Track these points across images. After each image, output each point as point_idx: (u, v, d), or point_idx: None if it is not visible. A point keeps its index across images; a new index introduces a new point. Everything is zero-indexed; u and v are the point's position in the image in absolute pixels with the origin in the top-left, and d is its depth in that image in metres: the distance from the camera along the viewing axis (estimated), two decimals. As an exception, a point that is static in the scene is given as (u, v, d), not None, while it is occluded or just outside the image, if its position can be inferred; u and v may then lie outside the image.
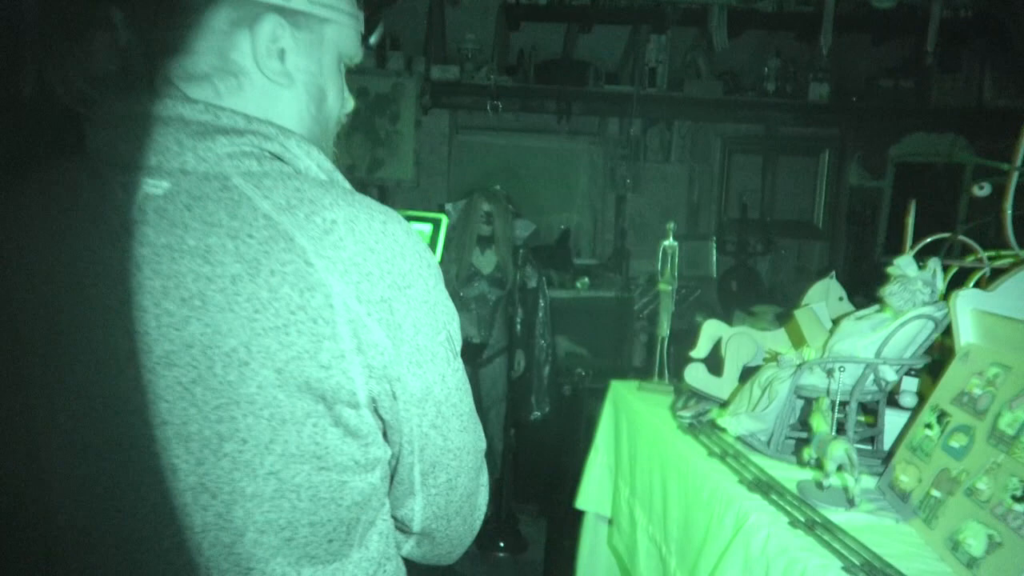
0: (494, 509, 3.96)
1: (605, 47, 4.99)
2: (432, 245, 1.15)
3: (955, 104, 5.03)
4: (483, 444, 0.91)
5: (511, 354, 3.91)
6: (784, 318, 1.71)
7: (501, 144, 5.29)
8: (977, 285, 1.44)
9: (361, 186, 5.21)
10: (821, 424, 1.13)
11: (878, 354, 1.18)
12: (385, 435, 0.80)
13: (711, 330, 1.67)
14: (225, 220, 0.71)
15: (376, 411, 0.77)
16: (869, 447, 1.31)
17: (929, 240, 1.48)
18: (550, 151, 5.35)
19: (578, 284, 4.59)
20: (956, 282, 1.42)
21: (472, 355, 3.87)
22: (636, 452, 1.67)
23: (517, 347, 3.98)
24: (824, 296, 1.55)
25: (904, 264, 1.18)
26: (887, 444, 1.29)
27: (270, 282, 0.70)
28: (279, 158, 0.77)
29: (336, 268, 0.71)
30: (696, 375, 1.64)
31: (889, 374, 1.19)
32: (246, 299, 0.70)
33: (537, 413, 4.17)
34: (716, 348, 1.69)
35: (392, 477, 0.83)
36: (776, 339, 1.58)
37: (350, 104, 0.96)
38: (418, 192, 5.18)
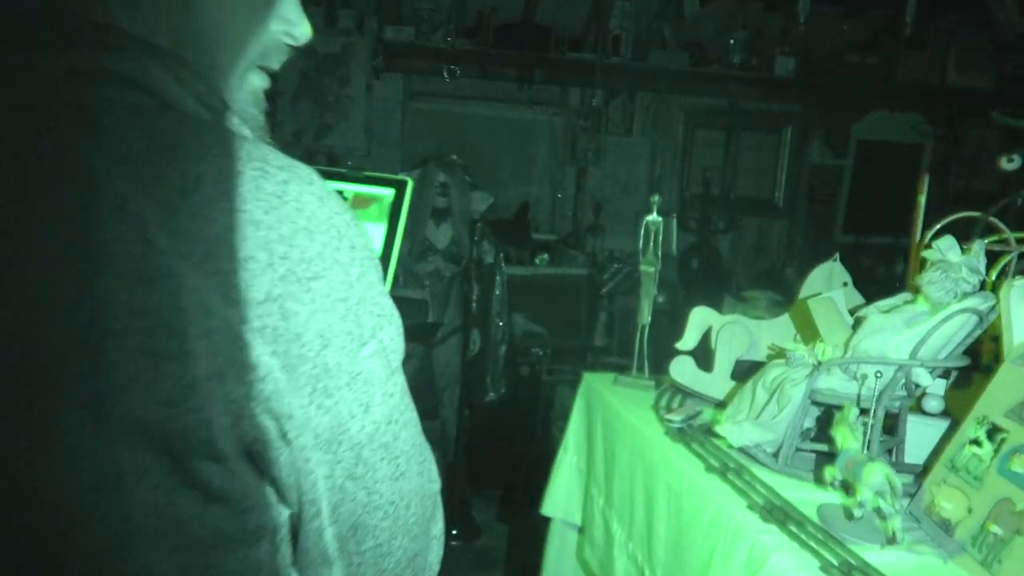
0: (447, 495, 3.78)
1: (568, 12, 4.75)
2: (394, 216, 0.92)
3: (919, 82, 4.96)
4: (435, 485, 0.65)
5: (466, 333, 3.69)
6: (780, 306, 1.54)
7: (458, 112, 5.02)
8: (1003, 273, 1.28)
9: (308, 154, 4.91)
10: (849, 439, 0.96)
11: (913, 354, 1.01)
12: (279, 493, 0.56)
13: (699, 318, 1.49)
14: (29, 172, 0.48)
15: (256, 463, 0.53)
16: (888, 459, 1.15)
17: (954, 218, 1.31)
18: (509, 121, 5.10)
19: (536, 260, 4.39)
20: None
21: (426, 335, 3.64)
22: (613, 456, 1.49)
23: (472, 326, 3.77)
24: (827, 282, 1.38)
25: (945, 247, 1.00)
26: (909, 456, 1.13)
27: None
28: (135, 84, 0.52)
29: (193, 249, 0.48)
30: (683, 370, 1.46)
31: (924, 378, 1.02)
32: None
33: (492, 395, 3.98)
34: (704, 339, 1.51)
35: (295, 546, 0.59)
36: (775, 330, 1.41)
37: (304, 29, 0.65)
38: (369, 161, 4.88)
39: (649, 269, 1.66)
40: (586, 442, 1.67)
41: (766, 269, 5.15)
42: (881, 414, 1.04)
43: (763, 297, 1.87)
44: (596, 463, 1.57)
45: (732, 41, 4.77)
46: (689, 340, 1.47)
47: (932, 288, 0.99)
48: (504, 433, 4.06)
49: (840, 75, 4.90)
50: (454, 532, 3.59)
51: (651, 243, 1.66)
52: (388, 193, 0.93)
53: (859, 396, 1.05)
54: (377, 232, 0.92)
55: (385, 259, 0.92)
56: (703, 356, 1.49)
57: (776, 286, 4.78)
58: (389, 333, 0.59)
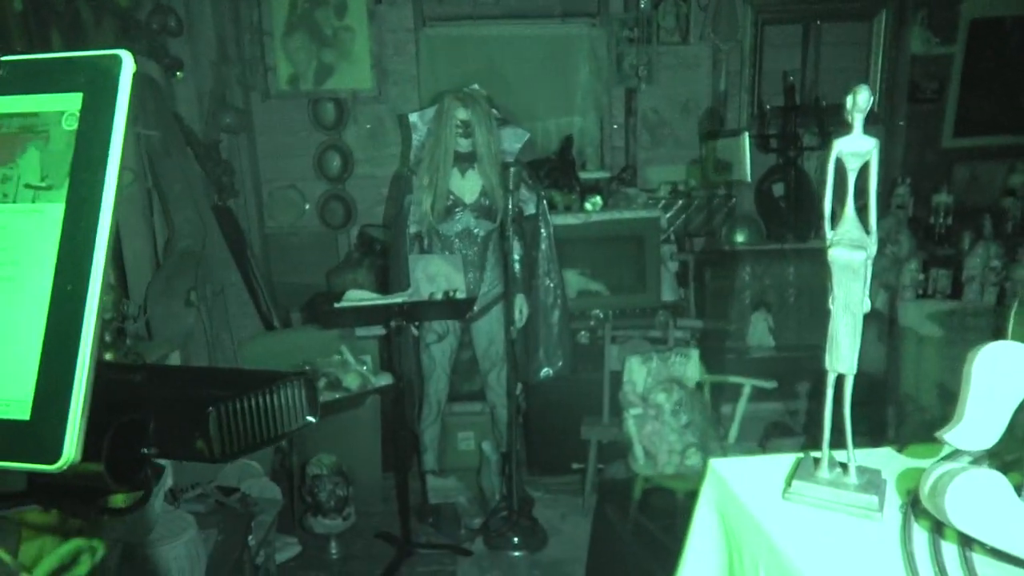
0: (504, 494, 3.20)
1: None
2: (88, 166, 0.27)
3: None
4: None
5: (510, 301, 3.04)
6: None
7: (481, 35, 4.25)
8: None
9: (311, 102, 4.24)
10: None
11: None
12: None
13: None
14: None
15: None
16: None
17: None
18: (541, 40, 4.31)
19: (588, 205, 3.66)
20: None
21: (462, 309, 3.00)
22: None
23: (517, 292, 3.12)
24: None
25: None
26: None
27: None
28: None
29: None
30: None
31: None
32: None
33: (548, 370, 3.35)
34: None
35: None
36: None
37: None
38: (383, 104, 4.19)
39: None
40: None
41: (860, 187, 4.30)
42: None
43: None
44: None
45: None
46: (980, 426, 0.74)
47: None
48: (565, 412, 3.44)
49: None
50: (515, 540, 3.01)
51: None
52: (65, 106, 0.27)
53: None
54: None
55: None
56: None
57: (884, 211, 3.95)
58: None
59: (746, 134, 4.29)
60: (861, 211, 0.87)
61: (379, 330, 3.31)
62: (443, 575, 2.88)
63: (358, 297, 2.74)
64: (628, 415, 2.92)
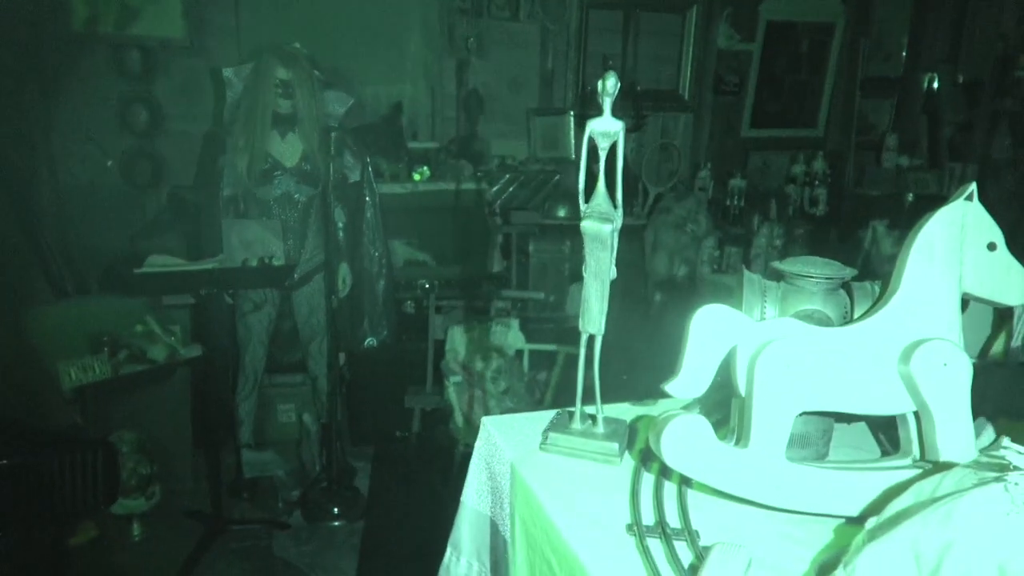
0: (323, 464, 3.16)
1: None
2: None
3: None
4: None
5: (332, 270, 2.99)
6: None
7: (308, -8, 4.06)
8: None
9: (112, 49, 3.85)
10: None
11: None
12: None
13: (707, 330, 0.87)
14: None
15: None
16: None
17: None
18: (374, 2, 4.20)
19: (415, 175, 3.66)
20: None
21: (280, 276, 2.90)
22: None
23: (340, 260, 3.07)
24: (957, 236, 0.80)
25: None
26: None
27: None
28: None
29: None
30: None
31: None
32: None
33: (372, 340, 3.34)
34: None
35: None
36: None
37: None
38: (196, 55, 3.90)
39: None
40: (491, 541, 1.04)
41: (672, 171, 4.64)
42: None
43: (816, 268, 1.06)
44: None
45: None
46: (693, 377, 0.83)
47: None
48: (389, 382, 3.45)
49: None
50: (335, 511, 3.00)
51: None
52: None
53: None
54: None
55: None
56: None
57: (688, 193, 4.30)
58: None
59: (571, 113, 4.49)
60: (611, 187, 0.95)
61: (189, 298, 3.13)
62: (258, 550, 2.81)
63: (161, 263, 2.57)
64: (450, 383, 2.99)
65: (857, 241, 3.77)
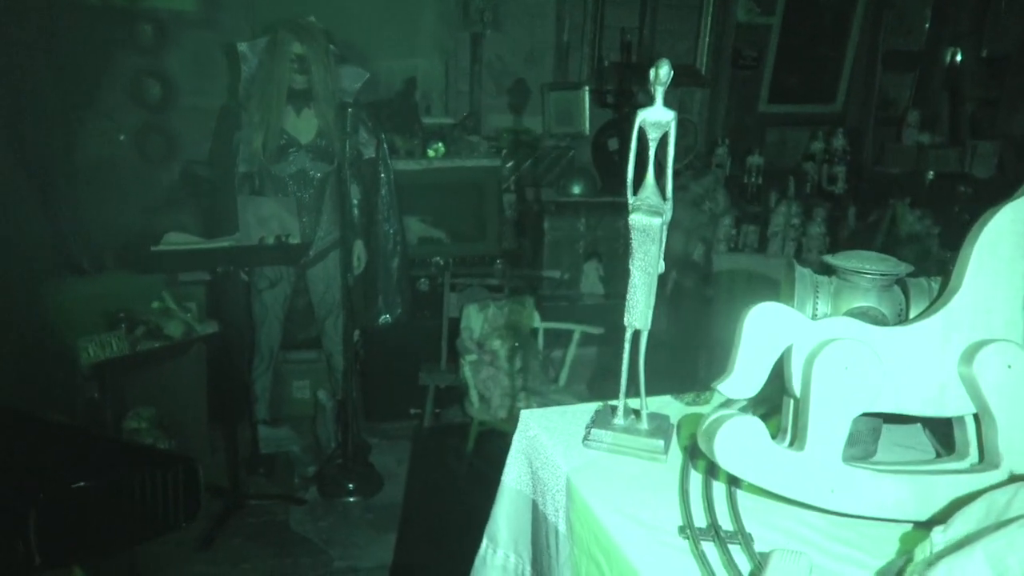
0: (339, 441, 3.17)
1: None
2: None
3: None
4: None
5: (347, 247, 2.97)
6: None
7: (318, -37, 3.98)
8: None
9: (127, 18, 3.79)
10: None
11: None
12: None
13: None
14: None
15: None
16: None
17: None
18: (385, -26, 4.12)
19: (430, 151, 3.62)
20: None
21: (296, 254, 2.89)
22: None
23: (355, 237, 3.05)
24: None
25: None
26: None
27: None
28: None
29: None
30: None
31: None
32: None
33: (387, 317, 3.33)
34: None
35: None
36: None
37: None
38: (209, 28, 3.84)
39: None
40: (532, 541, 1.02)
41: (688, 147, 4.57)
42: None
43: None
44: None
45: None
46: (746, 376, 0.80)
47: None
48: (404, 359, 3.44)
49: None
50: (350, 487, 3.01)
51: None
52: None
53: None
54: None
55: None
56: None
57: (705, 170, 4.24)
58: None
59: (586, 88, 4.41)
60: (660, 179, 0.92)
61: (205, 275, 3.12)
62: (274, 524, 2.83)
63: (178, 240, 2.55)
64: (465, 361, 2.98)
65: (876, 220, 3.72)
